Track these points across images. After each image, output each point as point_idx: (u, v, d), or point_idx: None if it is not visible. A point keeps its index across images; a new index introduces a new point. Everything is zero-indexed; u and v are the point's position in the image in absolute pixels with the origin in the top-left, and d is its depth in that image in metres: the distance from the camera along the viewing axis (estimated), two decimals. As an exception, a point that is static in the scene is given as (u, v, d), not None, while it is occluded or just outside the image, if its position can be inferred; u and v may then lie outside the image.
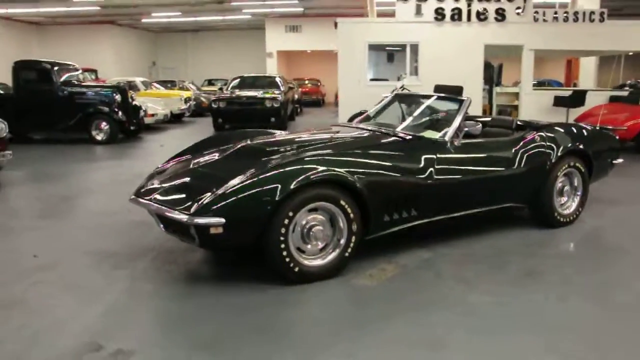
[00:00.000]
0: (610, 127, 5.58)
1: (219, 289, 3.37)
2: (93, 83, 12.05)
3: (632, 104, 9.58)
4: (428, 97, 4.87)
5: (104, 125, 10.24)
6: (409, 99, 5.25)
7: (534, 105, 11.02)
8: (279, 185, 3.24)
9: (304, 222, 3.39)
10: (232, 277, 3.56)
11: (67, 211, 5.47)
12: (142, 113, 11.37)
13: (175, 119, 15.07)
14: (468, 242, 4.19)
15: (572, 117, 9.98)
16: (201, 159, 4.11)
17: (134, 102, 11.15)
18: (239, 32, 26.44)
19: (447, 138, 4.07)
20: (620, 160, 5.18)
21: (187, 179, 3.74)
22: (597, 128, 5.23)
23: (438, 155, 3.92)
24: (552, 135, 4.56)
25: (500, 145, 4.36)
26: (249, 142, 4.33)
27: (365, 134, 4.34)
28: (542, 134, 4.53)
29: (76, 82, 10.60)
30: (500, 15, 10.90)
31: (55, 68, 10.24)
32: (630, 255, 3.98)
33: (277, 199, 3.21)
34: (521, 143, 4.40)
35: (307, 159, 3.46)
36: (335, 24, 11.18)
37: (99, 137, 10.23)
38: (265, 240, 3.27)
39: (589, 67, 15.08)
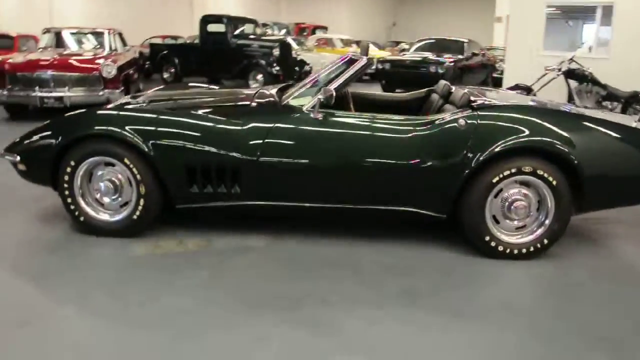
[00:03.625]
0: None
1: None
2: (267, 37, 12.86)
3: None
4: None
5: (260, 76, 11.02)
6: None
7: None
8: (62, 134, 3.17)
9: (100, 174, 3.23)
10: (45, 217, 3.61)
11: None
12: (307, 68, 11.82)
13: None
14: (337, 243, 3.30)
15: None
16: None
17: (299, 58, 11.65)
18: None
19: (306, 107, 3.20)
20: None
21: None
22: (636, 124, 3.30)
23: (276, 126, 3.13)
24: (489, 121, 3.09)
25: (391, 125, 3.18)
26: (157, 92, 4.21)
27: (229, 96, 3.74)
28: (473, 114, 3.12)
29: (248, 36, 11.58)
30: None
31: (231, 21, 11.36)
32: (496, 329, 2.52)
33: (55, 146, 3.15)
34: (427, 126, 3.13)
35: (102, 112, 3.26)
36: (511, -19, 9.40)
37: (253, 84, 11.07)
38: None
39: None
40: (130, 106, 3.49)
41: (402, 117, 3.21)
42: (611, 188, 3.19)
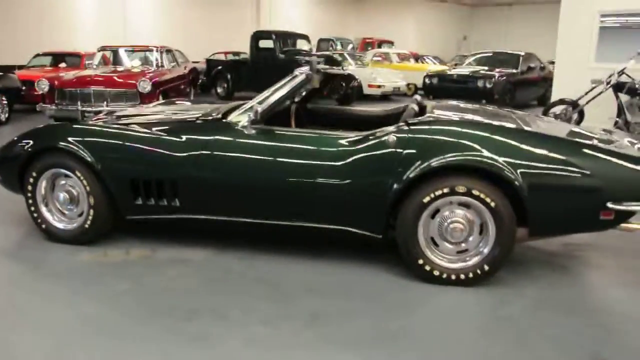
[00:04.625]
0: None
1: None
2: (319, 53, 13.01)
3: None
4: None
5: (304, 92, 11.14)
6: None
7: None
8: (25, 146, 3.41)
9: (61, 184, 3.46)
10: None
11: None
12: (354, 83, 11.84)
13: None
14: (275, 260, 3.29)
15: None
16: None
17: (346, 72, 11.67)
18: (552, 5, 22.98)
19: (242, 123, 3.23)
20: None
21: None
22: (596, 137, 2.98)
23: (210, 143, 3.19)
24: (421, 136, 2.95)
25: (322, 141, 3.11)
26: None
27: (187, 112, 3.77)
28: (405, 129, 2.99)
29: (296, 51, 11.79)
30: None
31: (279, 37, 11.64)
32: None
33: (20, 157, 3.41)
34: (359, 142, 3.04)
35: (68, 126, 3.47)
36: (562, -13, 8.85)
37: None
38: (25, 195, 3.54)
39: None
40: (91, 122, 3.71)
41: (338, 133, 3.16)
42: (562, 213, 2.91)
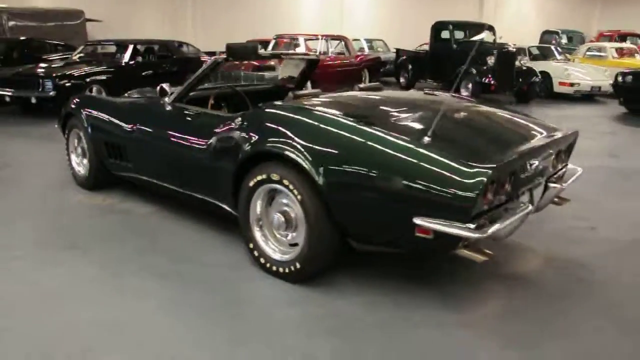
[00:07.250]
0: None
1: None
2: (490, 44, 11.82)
3: None
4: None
5: (470, 85, 10.60)
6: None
7: None
8: (67, 106, 4.66)
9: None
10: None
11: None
12: (535, 79, 10.71)
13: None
14: (192, 224, 3.83)
15: None
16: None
17: (524, 67, 10.68)
18: None
19: (167, 98, 3.81)
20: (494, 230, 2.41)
21: None
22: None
23: (143, 114, 3.92)
24: (254, 120, 3.12)
25: (204, 119, 3.46)
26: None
27: None
28: (248, 112, 3.26)
29: (474, 43, 11.16)
30: None
31: (456, 27, 11.23)
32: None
33: (62, 114, 4.71)
34: (222, 121, 3.30)
35: (90, 96, 4.61)
36: None
37: (464, 93, 10.70)
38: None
39: None
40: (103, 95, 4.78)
41: (222, 113, 3.52)
42: (367, 222, 2.70)
